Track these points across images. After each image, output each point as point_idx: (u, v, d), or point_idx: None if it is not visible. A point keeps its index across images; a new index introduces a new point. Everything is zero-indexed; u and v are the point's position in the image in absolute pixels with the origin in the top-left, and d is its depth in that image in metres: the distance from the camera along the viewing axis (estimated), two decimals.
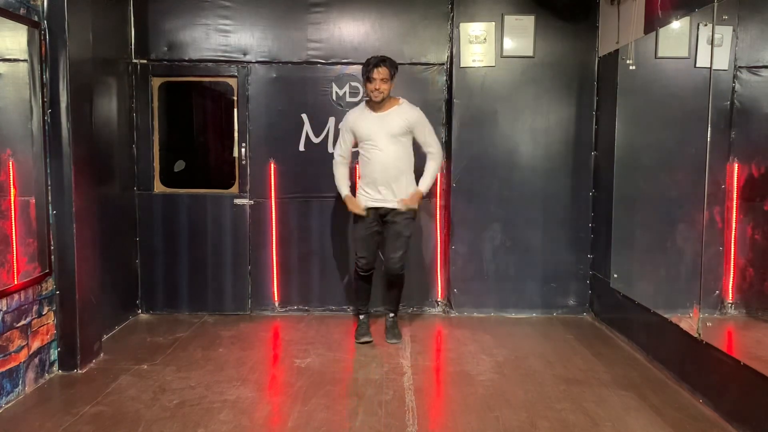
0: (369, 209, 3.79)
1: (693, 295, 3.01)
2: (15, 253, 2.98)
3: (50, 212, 3.23)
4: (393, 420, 2.78)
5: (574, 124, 4.43)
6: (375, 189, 3.75)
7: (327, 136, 4.43)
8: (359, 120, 3.78)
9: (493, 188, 4.44)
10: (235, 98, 4.42)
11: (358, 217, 3.83)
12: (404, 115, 3.73)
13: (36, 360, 3.14)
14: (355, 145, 3.87)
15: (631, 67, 3.75)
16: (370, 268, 3.87)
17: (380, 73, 3.64)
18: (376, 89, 3.66)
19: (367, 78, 3.67)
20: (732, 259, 3.05)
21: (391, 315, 3.99)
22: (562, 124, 4.42)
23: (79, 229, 3.30)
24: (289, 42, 4.39)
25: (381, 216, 3.80)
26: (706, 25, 2.93)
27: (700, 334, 2.96)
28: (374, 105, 3.74)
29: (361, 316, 3.98)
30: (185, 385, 3.18)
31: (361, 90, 4.40)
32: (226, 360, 3.55)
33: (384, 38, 4.41)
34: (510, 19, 4.34)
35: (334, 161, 3.94)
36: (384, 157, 3.71)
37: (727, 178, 2.94)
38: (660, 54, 3.50)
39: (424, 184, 3.80)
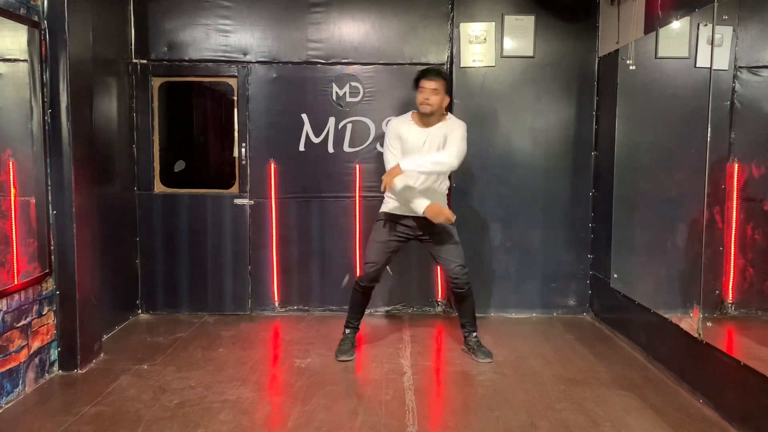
0: (400, 220, 3.53)
1: (693, 295, 3.01)
2: (15, 253, 2.98)
3: (50, 212, 3.23)
4: (393, 420, 2.78)
5: (574, 124, 4.43)
6: (406, 203, 3.46)
7: (327, 136, 4.43)
8: (404, 129, 3.49)
9: (493, 188, 4.44)
10: (235, 98, 4.42)
11: (385, 222, 3.56)
12: (447, 127, 3.47)
13: (36, 360, 3.14)
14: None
15: (631, 67, 3.75)
16: (374, 279, 3.60)
17: (432, 83, 3.39)
18: (425, 100, 3.40)
19: (417, 86, 3.45)
20: (732, 259, 3.05)
21: (474, 334, 3.66)
22: (562, 124, 4.42)
23: (79, 229, 3.30)
24: (289, 42, 4.39)
25: (408, 236, 3.56)
26: (706, 25, 2.93)
27: (700, 334, 2.96)
28: (420, 118, 3.49)
29: (347, 330, 3.71)
30: (185, 385, 3.18)
31: (362, 91, 4.40)
32: (226, 360, 3.55)
33: (384, 38, 4.41)
34: (510, 19, 4.34)
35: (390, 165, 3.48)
36: (419, 184, 3.44)
37: (727, 178, 2.94)
38: (660, 54, 3.50)
39: (409, 161, 3.30)
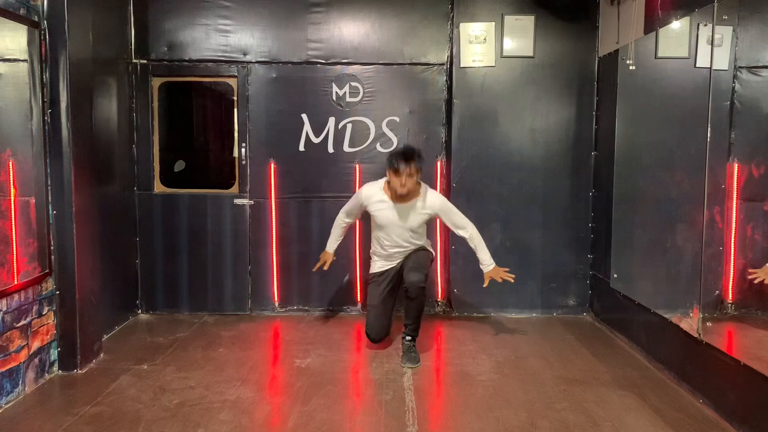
0: (384, 274, 3.73)
1: (693, 295, 3.01)
2: (15, 253, 2.98)
3: (50, 212, 3.23)
4: (393, 420, 2.78)
5: (574, 124, 4.43)
6: (389, 260, 3.71)
7: (327, 136, 4.43)
8: (377, 204, 3.57)
9: (493, 188, 4.44)
10: (235, 98, 4.42)
11: (372, 284, 3.76)
12: (427, 209, 3.56)
13: (36, 360, 3.14)
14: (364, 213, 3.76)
15: (631, 67, 3.75)
16: (380, 338, 3.74)
17: (409, 168, 3.40)
18: (402, 186, 3.42)
19: (393, 170, 3.43)
20: (732, 259, 3.05)
21: (408, 338, 3.63)
22: (562, 124, 4.42)
23: (79, 229, 3.30)
24: (289, 42, 4.39)
25: (394, 274, 3.71)
26: (706, 25, 2.93)
27: (700, 334, 2.96)
28: (397, 198, 3.54)
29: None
30: (185, 385, 3.18)
31: (362, 91, 4.40)
32: (226, 360, 3.55)
33: (384, 38, 4.41)
34: (510, 19, 4.34)
35: (336, 219, 3.87)
36: (398, 242, 3.62)
37: (727, 178, 2.94)
38: (660, 54, 3.50)
39: (490, 259, 3.70)
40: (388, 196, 3.56)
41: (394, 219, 3.56)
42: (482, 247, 3.70)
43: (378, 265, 3.76)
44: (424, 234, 3.74)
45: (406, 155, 3.42)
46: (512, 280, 3.71)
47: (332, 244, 3.93)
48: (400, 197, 3.51)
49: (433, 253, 3.83)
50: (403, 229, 3.58)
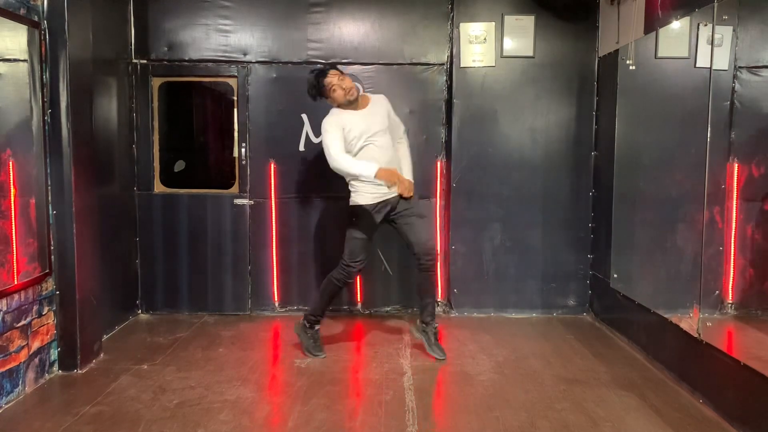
0: (385, 204, 3.50)
1: (693, 295, 3.01)
2: (15, 253, 2.98)
3: (50, 212, 3.23)
4: (393, 420, 2.78)
5: (574, 124, 4.43)
6: (377, 184, 3.43)
7: None
8: (346, 118, 3.45)
9: (493, 188, 4.44)
10: (235, 98, 4.42)
11: (361, 215, 3.50)
12: (382, 106, 3.56)
13: (36, 360, 3.14)
14: None
15: (631, 67, 3.75)
16: (360, 272, 3.64)
17: (335, 74, 3.43)
18: (348, 89, 3.42)
19: (328, 87, 3.41)
20: (732, 259, 3.05)
21: (435, 325, 3.59)
22: (562, 124, 4.42)
23: (79, 229, 3.30)
24: (289, 42, 4.39)
25: (391, 210, 3.52)
26: (706, 25, 2.93)
27: (700, 334, 2.96)
28: (350, 106, 3.48)
29: (317, 327, 3.68)
30: (185, 385, 3.18)
31: (361, 89, 4.40)
32: (226, 360, 3.55)
33: (384, 38, 4.41)
34: (510, 19, 4.34)
35: (336, 158, 3.43)
36: (381, 153, 3.45)
37: (727, 178, 2.94)
38: (660, 54, 3.50)
39: (410, 171, 3.62)
40: (347, 113, 3.47)
41: (365, 126, 3.45)
42: (408, 158, 3.67)
43: (369, 197, 3.48)
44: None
45: (322, 72, 3.45)
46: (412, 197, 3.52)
47: (370, 164, 3.36)
48: (355, 104, 3.48)
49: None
50: (380, 134, 3.46)
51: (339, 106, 3.49)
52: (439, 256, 3.52)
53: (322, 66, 3.55)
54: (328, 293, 3.62)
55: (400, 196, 3.46)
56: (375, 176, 3.32)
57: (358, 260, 3.52)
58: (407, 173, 3.62)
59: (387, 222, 3.57)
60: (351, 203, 3.57)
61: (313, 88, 3.48)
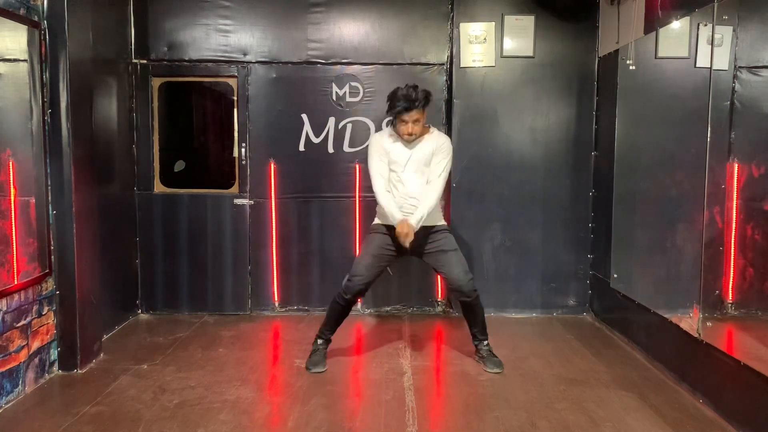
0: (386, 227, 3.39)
1: (693, 295, 3.01)
2: (15, 253, 2.98)
3: (50, 212, 3.23)
4: (393, 420, 2.78)
5: (574, 124, 4.43)
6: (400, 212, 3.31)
7: (327, 136, 4.43)
8: (390, 142, 3.36)
9: (493, 188, 4.44)
10: (235, 98, 4.42)
11: (372, 232, 3.44)
12: (434, 143, 3.33)
13: (36, 360, 3.14)
14: None
15: (631, 67, 3.75)
16: (359, 293, 3.41)
17: (414, 115, 3.20)
18: (408, 134, 3.25)
19: (399, 117, 3.23)
20: (732, 259, 3.05)
21: (486, 342, 3.48)
22: (562, 124, 4.43)
23: (79, 229, 3.30)
24: (289, 42, 4.39)
25: (402, 250, 3.34)
26: (706, 25, 2.93)
27: (700, 334, 2.96)
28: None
29: (320, 341, 3.51)
30: (185, 385, 3.17)
31: (362, 91, 4.40)
32: (226, 360, 3.55)
33: (384, 38, 4.41)
34: (510, 19, 4.34)
35: (376, 186, 3.37)
36: (412, 190, 3.32)
37: (727, 178, 2.94)
38: (660, 54, 3.50)
39: (415, 217, 3.24)
40: (397, 136, 3.35)
41: (404, 160, 3.32)
42: (425, 205, 3.27)
43: (382, 218, 3.43)
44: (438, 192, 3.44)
45: (411, 101, 3.17)
46: (405, 246, 3.28)
47: (397, 210, 3.30)
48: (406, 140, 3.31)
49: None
50: (415, 167, 3.31)
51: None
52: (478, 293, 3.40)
53: (424, 95, 3.22)
54: (330, 310, 3.51)
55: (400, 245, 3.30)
56: (396, 223, 3.25)
57: (356, 277, 3.34)
58: (421, 209, 3.27)
59: (419, 256, 3.44)
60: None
61: (392, 107, 3.26)
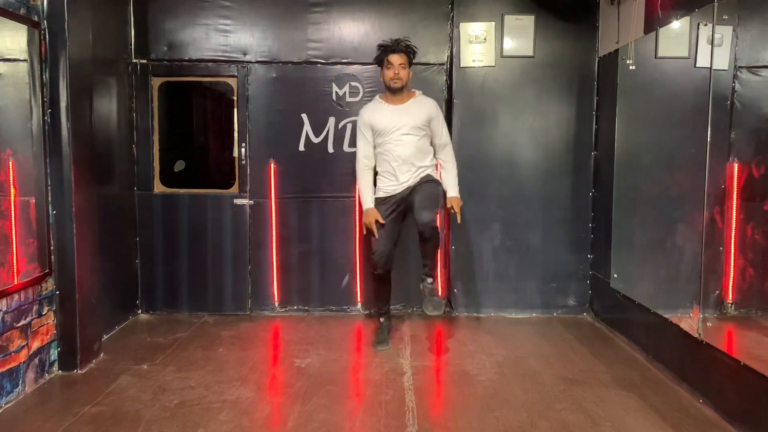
0: (387, 199, 3.64)
1: (693, 295, 3.01)
2: (15, 253, 2.98)
3: (50, 212, 3.23)
4: (393, 420, 2.78)
5: (574, 124, 4.43)
6: (395, 178, 3.61)
7: (327, 136, 4.43)
8: (376, 114, 3.61)
9: (493, 188, 4.44)
10: (235, 98, 4.42)
11: (377, 209, 3.63)
12: (425, 106, 3.61)
13: (36, 360, 3.14)
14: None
15: (631, 67, 3.75)
16: (386, 264, 3.63)
17: (399, 57, 3.51)
18: (395, 75, 3.52)
19: (384, 64, 3.55)
20: (732, 259, 3.05)
21: (430, 281, 3.57)
22: (562, 124, 4.42)
23: (79, 229, 3.30)
24: (289, 42, 4.39)
25: (400, 201, 3.60)
26: (706, 25, 2.93)
27: (700, 334, 2.96)
28: (391, 97, 3.62)
29: (381, 319, 3.83)
30: (185, 385, 3.18)
31: (362, 91, 4.40)
32: (226, 360, 3.55)
33: (384, 38, 4.38)
34: (510, 19, 4.34)
35: (358, 165, 3.72)
36: (404, 151, 3.54)
37: (727, 178, 2.94)
38: (660, 54, 3.50)
39: (455, 187, 3.67)
40: (384, 102, 3.64)
41: (395, 120, 3.55)
42: (454, 173, 3.72)
43: (383, 186, 3.67)
44: (431, 153, 3.70)
45: (396, 46, 3.52)
46: (458, 220, 3.66)
47: (370, 200, 3.64)
48: (396, 95, 3.58)
49: (443, 187, 3.67)
50: (408, 131, 3.54)
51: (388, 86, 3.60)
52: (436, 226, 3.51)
53: (406, 43, 3.59)
54: (372, 289, 3.92)
55: (410, 190, 3.58)
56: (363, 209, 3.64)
57: (374, 253, 3.65)
58: (452, 189, 3.68)
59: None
60: None
61: (379, 54, 3.61)
